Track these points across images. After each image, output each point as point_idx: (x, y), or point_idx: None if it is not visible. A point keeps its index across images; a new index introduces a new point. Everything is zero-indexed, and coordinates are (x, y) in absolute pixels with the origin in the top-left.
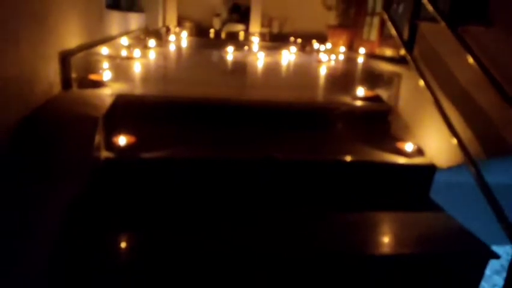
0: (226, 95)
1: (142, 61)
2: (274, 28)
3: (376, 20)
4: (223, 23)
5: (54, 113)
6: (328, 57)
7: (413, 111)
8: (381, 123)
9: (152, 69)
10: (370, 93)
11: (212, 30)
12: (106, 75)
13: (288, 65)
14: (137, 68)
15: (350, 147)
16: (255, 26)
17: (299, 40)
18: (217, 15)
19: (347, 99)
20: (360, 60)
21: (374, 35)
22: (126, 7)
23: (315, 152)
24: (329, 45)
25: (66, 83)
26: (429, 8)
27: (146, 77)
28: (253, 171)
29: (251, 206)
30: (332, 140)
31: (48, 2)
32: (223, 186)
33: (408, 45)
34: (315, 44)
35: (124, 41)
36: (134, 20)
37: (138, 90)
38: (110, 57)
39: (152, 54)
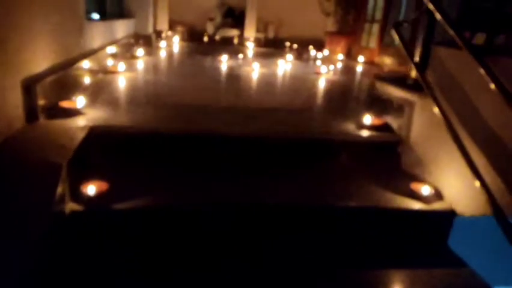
0: (217, 126)
1: (127, 75)
2: (270, 33)
3: (376, 27)
4: (217, 28)
5: (8, 156)
6: (327, 69)
7: (427, 145)
8: (390, 156)
9: (136, 87)
10: (378, 121)
11: (206, 35)
12: (80, 101)
13: (284, 79)
14: (119, 86)
15: (356, 187)
16: (250, 31)
17: (295, 46)
18: (211, 19)
19: (351, 127)
20: (359, 68)
21: (373, 42)
22: (113, 14)
23: (317, 193)
24: (326, 52)
25: (31, 114)
26: (451, 33)
27: (128, 99)
28: (246, 218)
29: (245, 264)
30: (336, 176)
31: (7, 25)
32: (212, 238)
33: (422, 69)
34: (312, 51)
35: (111, 50)
36: (122, 28)
37: (116, 117)
38: (92, 73)
39: (139, 65)
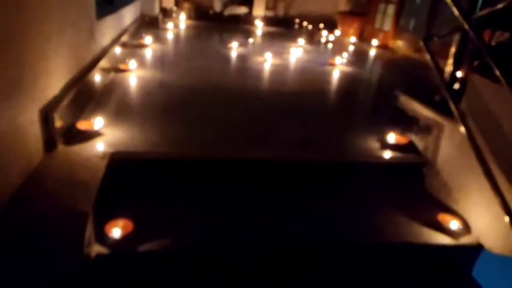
0: (228, 151)
1: (139, 73)
2: (280, 10)
3: (391, 8)
4: (225, 5)
5: (32, 204)
6: (341, 59)
7: (455, 172)
8: (415, 178)
9: (149, 89)
10: (403, 140)
11: (211, 12)
12: (97, 122)
13: (297, 75)
14: (133, 91)
15: (382, 216)
16: (259, 9)
17: (305, 23)
18: None
19: (374, 145)
20: (373, 52)
21: (388, 24)
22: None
23: (344, 227)
24: (338, 32)
25: (49, 143)
26: (489, 63)
27: (144, 108)
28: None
29: None
30: (357, 203)
31: (23, 49)
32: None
33: (456, 95)
34: (324, 31)
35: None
36: (129, 14)
37: (135, 137)
38: (104, 74)
39: (148, 57)
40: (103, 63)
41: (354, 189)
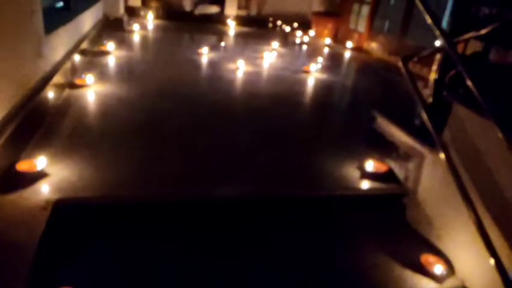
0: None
1: (97, 89)
2: (253, 9)
3: (365, 9)
4: (196, 4)
5: None
6: (315, 65)
7: (437, 205)
8: (395, 209)
9: (109, 110)
10: (382, 168)
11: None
12: (41, 162)
13: (270, 84)
14: (89, 112)
15: (358, 257)
16: (231, 8)
17: (279, 23)
18: None
19: (351, 173)
20: (347, 54)
21: (362, 26)
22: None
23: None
24: (312, 32)
25: None
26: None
27: (100, 135)
28: None
29: None
30: (334, 242)
31: None
32: None
33: (438, 129)
34: (298, 32)
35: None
36: (89, 18)
37: (87, 178)
38: (57, 91)
39: (110, 68)
40: (55, 80)
41: (330, 225)
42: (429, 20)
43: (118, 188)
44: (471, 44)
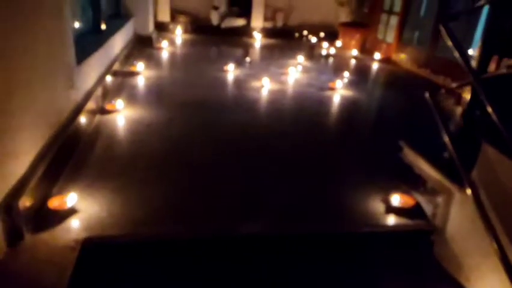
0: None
1: (127, 114)
2: (279, 21)
3: (394, 20)
4: (222, 17)
5: None
6: (341, 82)
7: (466, 246)
8: (422, 246)
9: (135, 140)
10: (409, 202)
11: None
12: (71, 198)
13: (294, 108)
14: (117, 141)
15: None
16: (258, 20)
17: (305, 33)
18: (215, 8)
19: (377, 207)
20: (375, 66)
21: (391, 36)
22: (109, 23)
23: None
24: (339, 43)
25: (13, 236)
26: (506, 139)
27: (129, 165)
28: None
29: None
30: (360, 280)
31: None
32: None
33: (467, 159)
34: (324, 43)
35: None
36: (121, 39)
37: (116, 213)
38: (87, 117)
39: (140, 86)
40: (86, 107)
41: (353, 263)
42: (457, 55)
43: (145, 224)
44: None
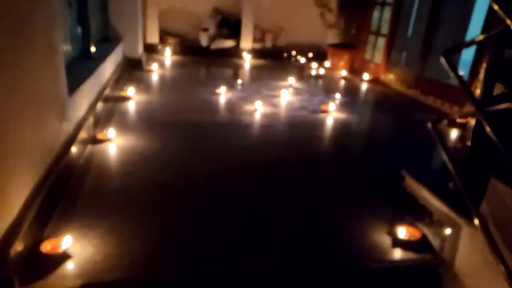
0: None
1: (119, 143)
2: (268, 42)
3: (381, 41)
4: (212, 39)
5: None
6: (334, 104)
7: (477, 281)
8: (430, 279)
9: (128, 171)
10: (415, 235)
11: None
12: (65, 241)
13: (288, 132)
14: (109, 173)
15: None
16: (247, 41)
17: (294, 53)
18: (205, 29)
19: (381, 240)
20: (364, 87)
21: (379, 57)
22: (98, 49)
23: None
24: (328, 64)
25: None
26: None
27: (122, 199)
28: None
29: None
30: None
31: None
32: None
33: (476, 201)
34: (313, 64)
35: (100, 102)
36: (111, 63)
37: (111, 256)
38: (79, 148)
39: (131, 112)
40: (78, 138)
41: None
42: (460, 86)
43: (143, 266)
44: None
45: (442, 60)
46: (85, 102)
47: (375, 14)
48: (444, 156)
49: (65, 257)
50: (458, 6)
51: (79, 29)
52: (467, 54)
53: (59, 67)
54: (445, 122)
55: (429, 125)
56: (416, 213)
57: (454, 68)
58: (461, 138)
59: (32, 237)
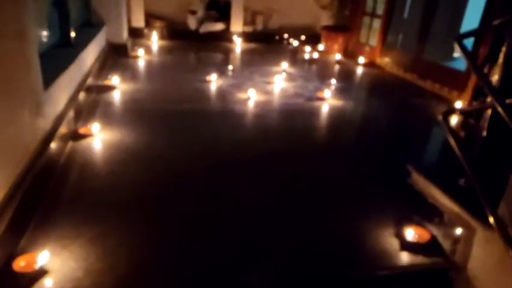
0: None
1: (103, 138)
2: (259, 25)
3: (377, 23)
4: (200, 22)
5: None
6: (329, 89)
7: (490, 287)
8: (440, 283)
9: (113, 171)
10: (424, 236)
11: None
12: (42, 257)
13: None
14: (93, 172)
15: None
16: (237, 25)
17: (286, 36)
18: (193, 12)
19: (390, 244)
20: (360, 71)
21: (374, 40)
22: (80, 34)
23: None
24: (321, 47)
25: None
26: None
27: (108, 203)
28: None
29: None
30: None
31: None
32: None
33: (493, 204)
34: (307, 47)
35: (82, 93)
36: (93, 50)
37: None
38: (59, 144)
39: (116, 102)
40: (58, 134)
41: None
42: (478, 76)
43: (130, 283)
44: None
45: (456, 46)
46: (64, 95)
47: None
48: (457, 151)
49: (41, 274)
50: None
51: (57, 14)
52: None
53: (32, 58)
54: (458, 112)
55: (440, 116)
56: (425, 212)
57: (469, 54)
58: (472, 129)
59: (4, 252)
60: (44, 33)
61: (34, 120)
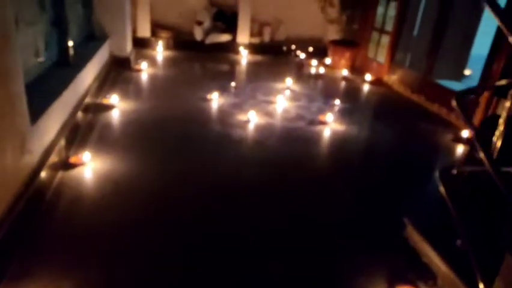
0: None
1: (95, 168)
2: (266, 36)
3: (385, 39)
4: (206, 33)
5: None
6: (332, 115)
7: None
8: None
9: (104, 208)
10: None
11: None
12: None
13: (283, 150)
14: (81, 210)
15: None
16: (244, 36)
17: (293, 48)
18: (199, 23)
19: None
20: (366, 88)
21: (382, 56)
22: (79, 53)
23: None
24: (328, 60)
25: None
26: None
27: (92, 247)
28: None
29: None
30: None
31: None
32: None
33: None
34: (313, 61)
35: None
36: (93, 67)
37: None
38: (48, 174)
39: (113, 125)
40: (47, 165)
41: None
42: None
43: None
44: None
45: (454, 103)
46: (57, 123)
47: (380, 9)
48: (454, 214)
49: None
50: (469, 6)
51: (56, 33)
52: (480, 49)
53: (17, 95)
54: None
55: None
56: (419, 270)
57: (465, 112)
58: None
59: None
60: (40, 58)
61: (18, 159)
